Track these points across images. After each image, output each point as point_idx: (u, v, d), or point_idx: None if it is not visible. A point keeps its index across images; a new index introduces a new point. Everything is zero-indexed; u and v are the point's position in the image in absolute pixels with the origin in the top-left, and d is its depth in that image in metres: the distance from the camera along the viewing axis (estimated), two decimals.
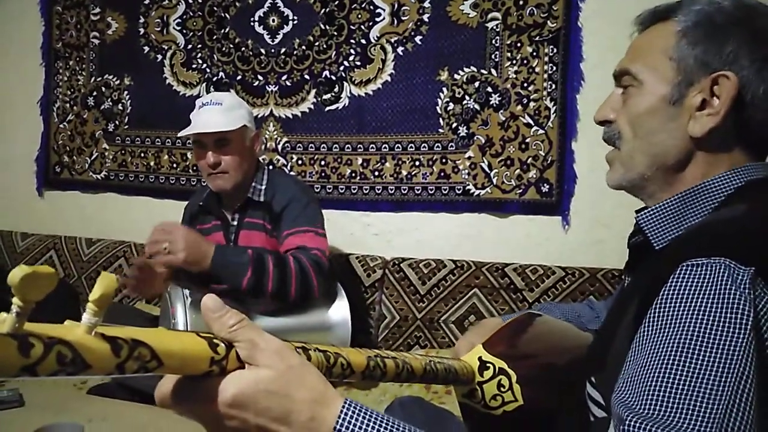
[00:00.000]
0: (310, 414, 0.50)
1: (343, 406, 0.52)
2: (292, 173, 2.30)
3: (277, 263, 1.58)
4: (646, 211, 0.75)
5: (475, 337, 1.02)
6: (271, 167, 2.21)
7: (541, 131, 1.98)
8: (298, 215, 1.72)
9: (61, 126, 2.74)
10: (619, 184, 0.81)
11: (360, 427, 0.51)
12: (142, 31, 2.57)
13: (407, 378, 0.68)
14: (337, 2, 2.23)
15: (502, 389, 0.83)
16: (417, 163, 2.14)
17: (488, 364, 0.84)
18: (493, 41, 2.03)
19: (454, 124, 2.08)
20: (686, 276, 0.58)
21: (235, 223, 1.80)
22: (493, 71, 2.03)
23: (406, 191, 2.16)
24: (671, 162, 0.75)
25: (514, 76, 2.01)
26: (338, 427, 0.51)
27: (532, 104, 1.99)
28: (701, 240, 0.63)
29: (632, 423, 0.53)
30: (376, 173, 2.20)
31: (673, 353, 0.55)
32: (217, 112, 1.70)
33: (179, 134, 1.73)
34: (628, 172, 0.79)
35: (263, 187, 1.78)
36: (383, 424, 0.52)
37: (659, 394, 0.54)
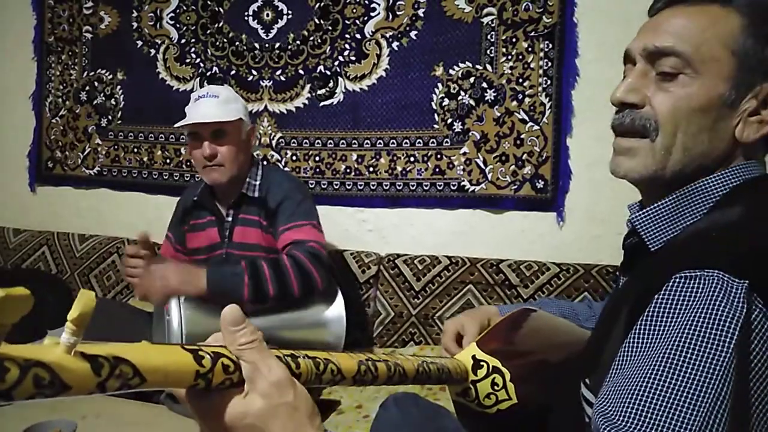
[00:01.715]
0: None
1: None
2: (286, 169, 2.29)
3: (271, 265, 1.57)
4: (640, 213, 0.73)
5: (467, 318, 1.02)
6: (265, 163, 2.20)
7: (536, 127, 1.98)
8: (293, 211, 1.71)
9: (54, 121, 2.72)
10: (642, 177, 0.72)
11: None
12: (135, 25, 2.55)
13: (399, 380, 0.68)
14: None
15: (495, 388, 0.83)
16: (412, 158, 2.13)
17: (482, 363, 0.84)
18: (489, 36, 2.03)
19: (449, 120, 2.08)
20: (678, 288, 0.58)
21: (230, 219, 1.79)
22: (489, 67, 2.03)
23: (401, 187, 2.15)
24: (709, 163, 0.70)
25: (510, 71, 2.00)
26: None
27: (527, 100, 1.99)
28: (695, 249, 0.62)
29: None
30: (371, 169, 2.19)
31: (655, 368, 0.55)
32: (214, 105, 1.69)
33: (175, 125, 1.73)
34: (661, 169, 0.70)
35: (258, 183, 1.77)
36: None
37: (637, 407, 0.54)
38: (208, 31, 2.42)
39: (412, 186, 2.14)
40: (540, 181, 1.98)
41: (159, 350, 0.47)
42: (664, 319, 0.57)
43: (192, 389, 0.50)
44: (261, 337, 0.52)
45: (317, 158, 2.27)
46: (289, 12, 2.29)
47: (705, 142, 0.69)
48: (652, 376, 0.54)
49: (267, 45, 2.33)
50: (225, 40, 2.40)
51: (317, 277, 1.60)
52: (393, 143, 2.16)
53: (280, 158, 2.32)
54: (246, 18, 2.35)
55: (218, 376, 0.49)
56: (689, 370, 0.53)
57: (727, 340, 0.53)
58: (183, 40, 2.47)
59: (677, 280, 0.58)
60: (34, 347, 0.40)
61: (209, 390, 0.50)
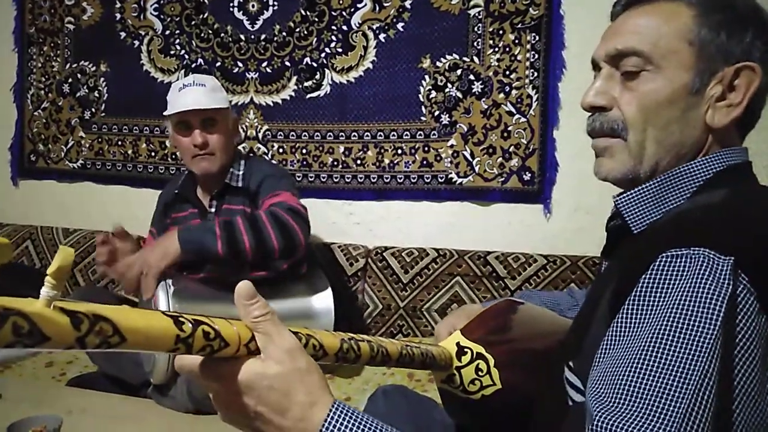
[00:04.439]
0: (302, 414, 0.56)
1: (330, 410, 0.56)
2: (271, 161, 2.28)
3: (246, 218, 1.53)
4: (624, 194, 0.74)
5: (455, 319, 1.02)
6: (251, 155, 2.19)
7: (523, 119, 1.98)
8: (273, 185, 1.70)
9: (36, 113, 2.68)
10: (623, 176, 0.74)
11: (342, 431, 0.56)
12: (118, 16, 2.51)
13: (383, 361, 0.69)
14: None
15: (480, 373, 0.84)
16: (399, 151, 2.13)
17: (466, 349, 0.85)
18: (476, 28, 2.03)
19: (437, 112, 2.08)
20: (665, 267, 0.58)
21: (213, 210, 1.77)
22: (476, 59, 2.03)
23: (388, 180, 2.15)
24: (686, 151, 0.72)
25: (497, 63, 2.00)
26: (323, 429, 0.56)
27: (514, 92, 1.99)
28: (681, 228, 0.63)
29: (600, 418, 0.54)
30: (358, 162, 2.18)
31: (644, 348, 0.55)
32: (202, 93, 1.68)
33: (165, 113, 1.70)
34: (638, 164, 0.73)
35: (241, 173, 1.76)
36: (367, 427, 0.56)
37: (627, 388, 0.54)
38: (193, 23, 2.40)
39: (400, 178, 2.14)
40: (527, 173, 1.99)
41: (140, 313, 0.48)
42: (652, 298, 0.58)
43: (208, 359, 0.54)
44: (273, 311, 0.57)
45: (304, 151, 2.26)
46: (275, 3, 2.27)
47: (676, 133, 0.71)
48: (642, 356, 0.55)
49: (253, 36, 2.31)
50: (210, 32, 2.37)
51: (298, 230, 1.55)
52: (380, 136, 2.15)
53: (266, 151, 2.31)
54: (231, 9, 2.33)
55: (198, 341, 0.51)
56: (676, 349, 0.54)
57: (714, 317, 0.54)
58: (167, 32, 2.44)
59: (663, 259, 0.58)
60: (14, 299, 0.40)
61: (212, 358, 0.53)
